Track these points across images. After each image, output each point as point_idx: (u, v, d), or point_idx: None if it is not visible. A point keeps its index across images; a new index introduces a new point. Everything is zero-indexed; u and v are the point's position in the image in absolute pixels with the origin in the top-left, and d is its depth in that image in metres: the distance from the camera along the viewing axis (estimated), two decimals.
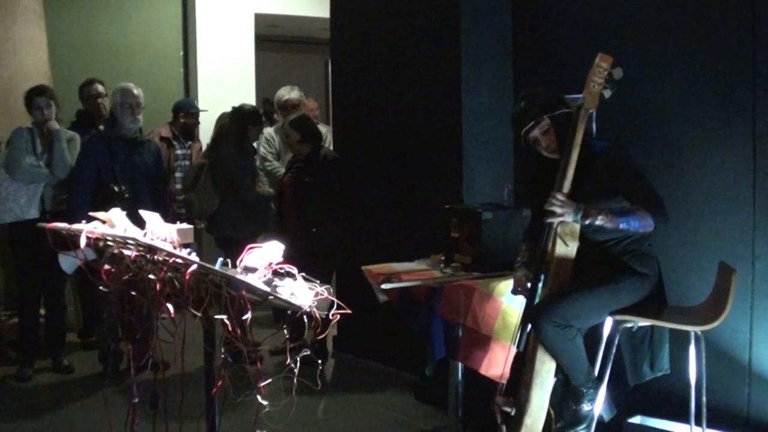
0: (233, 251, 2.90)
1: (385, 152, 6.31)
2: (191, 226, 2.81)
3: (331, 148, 7.07)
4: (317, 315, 2.39)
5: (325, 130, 7.36)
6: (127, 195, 5.96)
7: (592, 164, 3.92)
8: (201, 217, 6.64)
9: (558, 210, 3.86)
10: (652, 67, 4.81)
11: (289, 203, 6.56)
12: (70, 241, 3.23)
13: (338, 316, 2.46)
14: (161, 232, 2.68)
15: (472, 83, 5.62)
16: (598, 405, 3.97)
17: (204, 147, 7.86)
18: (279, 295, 2.38)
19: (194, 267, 2.48)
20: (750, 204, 4.44)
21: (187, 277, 2.46)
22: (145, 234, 2.72)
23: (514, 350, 4.22)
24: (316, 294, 2.41)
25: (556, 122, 4.01)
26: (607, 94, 3.88)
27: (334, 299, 2.47)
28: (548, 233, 3.96)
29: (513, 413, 4.08)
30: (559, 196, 3.87)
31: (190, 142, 8.00)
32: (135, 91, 6.18)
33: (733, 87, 4.52)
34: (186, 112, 8.02)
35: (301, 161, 6.53)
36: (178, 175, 7.76)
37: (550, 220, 3.91)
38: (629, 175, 3.94)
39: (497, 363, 4.52)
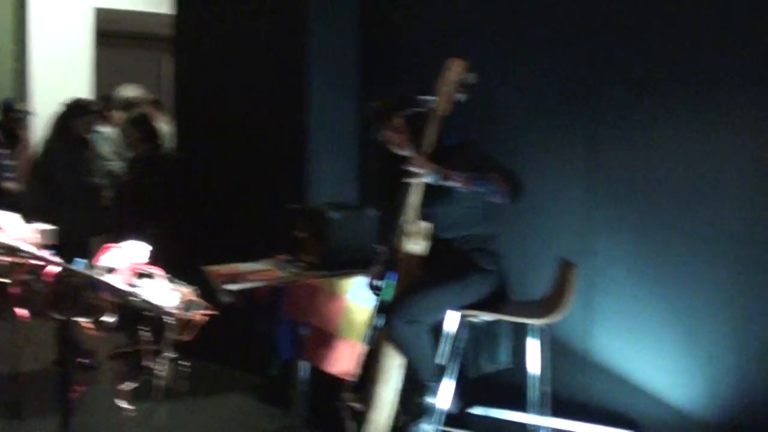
0: (63, 251, 2.82)
1: (229, 151, 6.22)
2: (54, 227, 2.73)
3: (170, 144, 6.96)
4: (182, 317, 2.36)
5: (167, 128, 7.22)
6: None
7: (446, 157, 4.01)
8: (29, 210, 6.42)
9: (418, 170, 3.92)
10: (493, 69, 4.94)
11: (129, 203, 6.43)
12: None
13: (205, 318, 2.44)
14: (20, 233, 2.59)
15: (318, 83, 5.61)
16: (441, 398, 4.06)
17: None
18: (142, 297, 2.34)
19: (56, 268, 2.41)
20: (589, 201, 4.64)
21: (50, 278, 2.38)
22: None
23: (361, 347, 4.27)
24: (182, 295, 2.39)
25: (408, 121, 4.10)
26: (461, 98, 3.97)
27: (200, 301, 2.45)
28: (398, 232, 4.03)
29: (360, 409, 4.13)
30: (420, 157, 3.94)
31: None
32: None
33: (569, 89, 4.72)
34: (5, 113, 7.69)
35: (141, 161, 6.41)
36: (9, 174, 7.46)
37: (411, 180, 3.96)
38: (483, 158, 4.06)
39: (343, 360, 4.56)
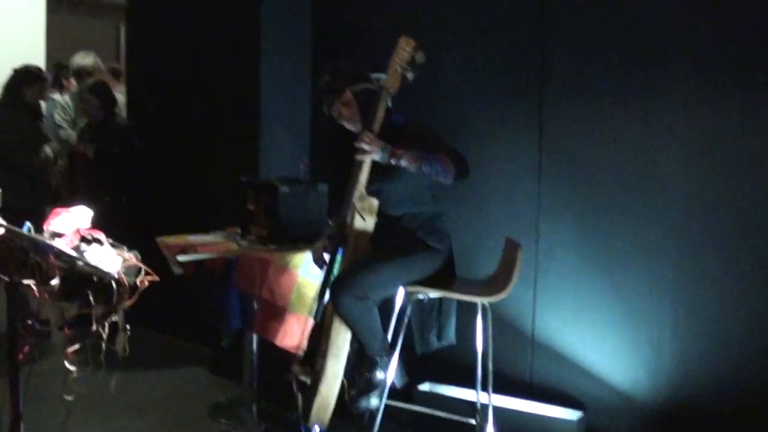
0: (14, 220, 2.83)
1: (183, 122, 6.26)
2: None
3: (124, 114, 6.95)
4: (125, 281, 2.39)
5: (122, 98, 7.20)
6: None
7: (395, 136, 4.04)
8: None
9: (366, 147, 3.95)
10: (448, 50, 5.00)
11: (81, 171, 6.40)
12: None
13: (146, 283, 2.46)
14: None
15: (270, 58, 5.65)
16: (390, 373, 4.11)
17: None
18: (87, 261, 2.36)
19: (1, 231, 2.42)
20: (535, 184, 4.69)
21: None
22: None
23: (310, 322, 4.31)
24: (124, 260, 2.41)
25: (357, 96, 4.12)
26: (410, 77, 3.99)
27: (142, 266, 2.47)
28: (347, 207, 4.07)
29: (309, 382, 4.17)
30: (369, 134, 3.96)
31: None
32: None
33: (522, 72, 4.76)
34: None
35: (94, 128, 6.39)
36: None
37: (359, 157, 3.99)
38: (431, 138, 4.08)
39: (292, 334, 4.60)
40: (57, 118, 7.31)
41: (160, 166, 6.41)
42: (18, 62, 6.88)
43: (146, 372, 5.65)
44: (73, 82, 7.65)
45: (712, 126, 4.15)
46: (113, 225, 5.96)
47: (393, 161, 3.94)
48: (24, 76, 6.40)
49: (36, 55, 8.99)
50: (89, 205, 6.04)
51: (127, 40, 7.04)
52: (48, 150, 6.66)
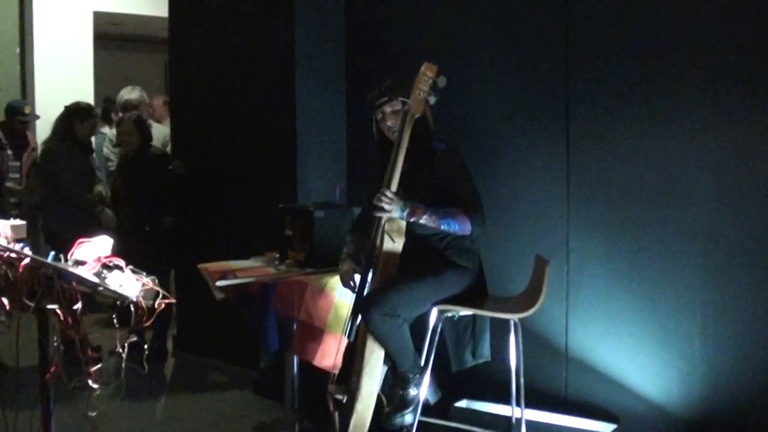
0: (62, 249, 3.00)
1: (222, 152, 6.42)
2: (24, 222, 2.92)
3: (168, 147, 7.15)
4: (143, 304, 2.54)
5: (166, 129, 7.39)
6: None
7: (430, 162, 4.17)
8: (30, 210, 6.62)
9: (386, 206, 4.06)
10: (474, 72, 5.10)
11: (123, 202, 6.60)
12: None
13: (163, 305, 2.61)
14: None
15: (305, 86, 5.80)
16: (423, 389, 4.19)
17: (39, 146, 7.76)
18: (107, 286, 2.52)
19: (27, 260, 2.59)
20: (564, 201, 4.76)
21: (21, 270, 2.57)
22: None
23: (345, 341, 4.42)
24: (143, 285, 2.56)
25: (406, 109, 4.17)
26: (432, 100, 4.10)
27: (159, 290, 2.62)
28: (377, 229, 4.17)
29: (345, 400, 4.27)
30: (388, 193, 4.06)
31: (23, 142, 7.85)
32: None
33: (548, 91, 4.85)
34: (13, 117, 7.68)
35: (131, 160, 6.58)
36: (13, 175, 7.64)
37: (378, 215, 4.12)
38: (459, 178, 4.19)
39: (330, 354, 4.68)
40: (105, 151, 7.52)
41: (202, 196, 6.57)
42: (68, 99, 7.14)
43: (192, 395, 5.79)
44: (121, 115, 7.87)
45: (737, 138, 4.20)
46: (152, 253, 6.21)
47: (412, 219, 4.07)
48: (76, 113, 6.58)
49: (85, 91, 9.23)
50: (131, 234, 6.19)
51: (169, 73, 7.24)
52: (100, 188, 6.87)
